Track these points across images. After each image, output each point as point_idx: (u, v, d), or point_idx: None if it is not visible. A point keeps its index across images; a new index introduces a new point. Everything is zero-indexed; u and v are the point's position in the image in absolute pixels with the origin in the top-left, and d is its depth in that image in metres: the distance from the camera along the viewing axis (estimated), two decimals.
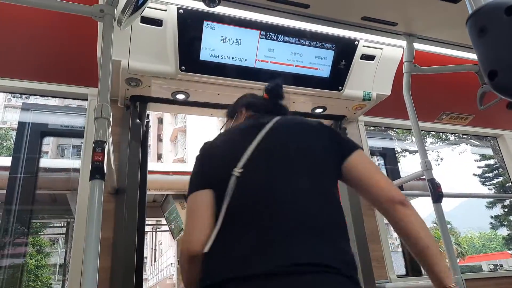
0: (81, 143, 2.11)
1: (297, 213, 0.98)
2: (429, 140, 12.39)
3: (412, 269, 3.09)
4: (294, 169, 1.06)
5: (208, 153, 1.18)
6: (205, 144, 1.22)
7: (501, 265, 19.43)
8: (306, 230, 0.95)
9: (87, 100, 2.17)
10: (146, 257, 24.23)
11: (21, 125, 2.28)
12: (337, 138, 1.20)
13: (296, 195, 1.01)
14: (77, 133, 2.43)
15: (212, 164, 1.13)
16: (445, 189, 1.95)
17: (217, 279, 0.91)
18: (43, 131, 2.33)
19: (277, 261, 0.89)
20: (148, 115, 2.24)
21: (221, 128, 1.43)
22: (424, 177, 2.00)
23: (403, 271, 3.17)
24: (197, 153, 1.20)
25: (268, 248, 0.92)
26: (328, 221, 1.01)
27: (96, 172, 1.16)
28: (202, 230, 1.01)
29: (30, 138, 2.26)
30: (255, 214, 0.98)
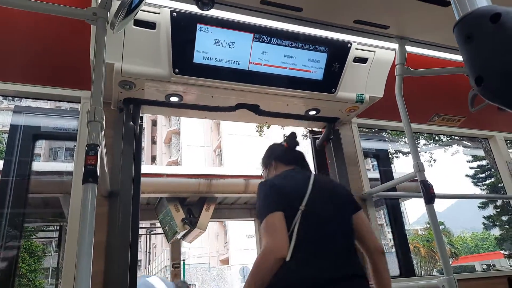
0: (74, 145, 2.10)
1: (343, 238, 1.57)
2: (422, 141, 12.50)
3: (406, 270, 3.10)
4: (336, 208, 1.63)
5: (275, 187, 1.63)
6: (267, 181, 1.74)
7: (493, 265, 19.61)
8: (347, 250, 1.57)
9: (80, 103, 2.16)
10: (140, 260, 24.09)
11: (13, 128, 2.26)
12: (351, 195, 1.83)
13: (341, 226, 1.60)
14: (70, 136, 2.41)
15: (281, 196, 1.58)
16: (437, 190, 1.97)
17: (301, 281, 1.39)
18: (36, 134, 2.31)
19: (342, 271, 1.46)
20: (141, 117, 2.24)
21: (263, 174, 2.00)
22: (417, 178, 2.02)
23: (397, 271, 3.18)
24: (261, 186, 1.67)
25: (337, 261, 1.49)
26: (352, 243, 1.63)
27: (89, 175, 1.15)
28: (286, 241, 1.44)
29: (22, 141, 2.24)
30: (320, 238, 1.51)
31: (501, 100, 0.63)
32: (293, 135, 1.96)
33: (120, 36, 1.80)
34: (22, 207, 2.35)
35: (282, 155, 1.92)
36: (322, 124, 2.72)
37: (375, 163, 3.73)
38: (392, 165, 4.19)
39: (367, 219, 1.79)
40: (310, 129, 2.90)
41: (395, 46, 2.17)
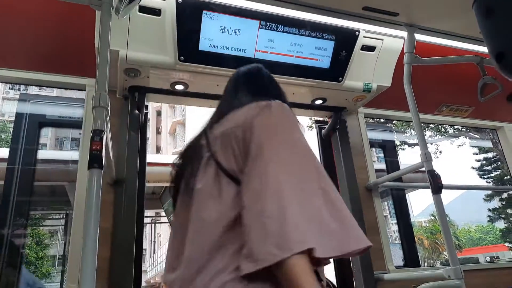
0: (79, 134, 2.09)
1: None
2: (428, 133, 12.40)
3: (411, 261, 3.10)
4: None
5: None
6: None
7: (497, 257, 19.59)
8: None
9: (85, 90, 2.15)
10: (145, 249, 24.36)
11: (19, 116, 2.26)
12: None
13: None
14: (75, 123, 2.41)
15: None
16: (443, 182, 1.95)
17: None
18: (41, 121, 2.30)
19: None
20: (147, 106, 2.23)
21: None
22: (423, 169, 2.00)
23: (401, 262, 3.18)
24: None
25: None
26: None
27: (95, 161, 1.15)
28: None
29: (27, 129, 2.24)
30: None
31: None
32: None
33: (125, 23, 1.78)
34: (28, 195, 2.36)
35: None
36: (328, 114, 2.70)
37: (381, 154, 3.71)
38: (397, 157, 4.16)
39: None
40: (316, 118, 2.88)
41: (404, 34, 2.13)
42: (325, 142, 2.75)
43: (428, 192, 1.94)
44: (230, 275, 0.83)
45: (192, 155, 1.05)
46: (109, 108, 1.25)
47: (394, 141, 4.37)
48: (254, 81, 1.21)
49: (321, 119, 2.83)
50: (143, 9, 1.79)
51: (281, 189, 0.83)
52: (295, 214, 0.80)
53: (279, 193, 0.82)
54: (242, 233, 0.84)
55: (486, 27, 0.63)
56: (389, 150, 3.57)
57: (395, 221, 3.46)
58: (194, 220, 0.93)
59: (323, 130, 2.74)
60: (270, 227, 0.79)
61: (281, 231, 0.78)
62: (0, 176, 2.25)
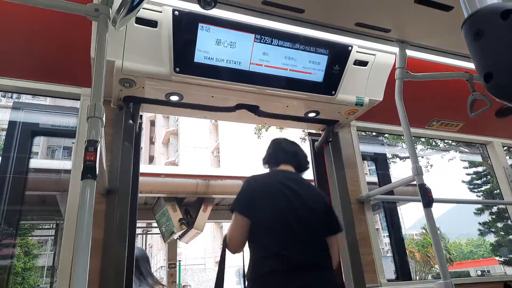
0: (73, 143, 2.09)
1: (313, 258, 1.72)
2: (419, 146, 12.51)
3: (402, 274, 3.11)
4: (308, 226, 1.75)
5: (250, 187, 1.83)
6: (249, 177, 1.88)
7: (488, 271, 19.63)
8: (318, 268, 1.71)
9: (79, 100, 2.15)
10: None
11: (12, 124, 2.25)
12: (330, 213, 1.87)
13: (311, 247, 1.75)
14: (69, 133, 2.41)
15: (252, 199, 1.80)
16: (434, 196, 1.97)
17: None
18: (34, 130, 2.30)
19: None
20: (141, 116, 2.23)
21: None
22: (414, 182, 2.02)
23: (392, 275, 3.18)
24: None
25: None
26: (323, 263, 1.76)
27: (88, 171, 1.15)
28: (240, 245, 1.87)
29: (20, 137, 2.23)
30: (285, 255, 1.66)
31: (511, 97, 0.63)
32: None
33: (121, 34, 1.80)
34: (19, 204, 2.33)
35: (277, 152, 2.00)
36: (321, 127, 2.73)
37: (372, 167, 3.74)
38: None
39: (339, 244, 1.89)
40: (309, 131, 2.90)
41: (396, 49, 2.18)
42: (318, 154, 2.78)
43: (419, 205, 1.96)
44: None
45: None
46: (104, 119, 1.26)
47: (385, 154, 4.42)
48: None
49: (314, 131, 2.86)
50: (140, 21, 1.81)
51: None
52: None
53: None
54: None
55: (475, 49, 0.65)
56: (381, 163, 3.60)
57: (387, 234, 3.48)
58: None
59: (316, 143, 2.77)
60: None
61: None
62: None
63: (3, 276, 2.26)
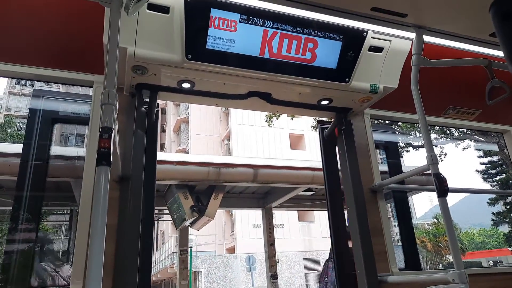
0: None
1: None
2: (433, 135, 12.34)
3: (412, 263, 3.09)
4: None
5: None
6: None
7: (501, 262, 19.47)
8: None
9: (92, 87, 2.16)
10: None
11: (32, 112, 2.28)
12: None
13: None
14: (88, 120, 2.44)
15: None
16: (449, 185, 1.94)
17: None
18: (54, 118, 2.32)
19: None
20: (158, 104, 2.22)
21: None
22: (428, 171, 1.99)
23: (403, 264, 3.17)
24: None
25: None
26: None
27: (103, 158, 1.15)
28: None
29: (41, 125, 2.26)
30: None
31: None
32: None
33: (134, 20, 1.79)
34: (41, 190, 2.36)
35: None
36: (334, 115, 2.69)
37: (383, 156, 3.69)
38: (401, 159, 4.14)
39: None
40: (318, 119, 2.86)
41: (412, 35, 2.12)
42: (327, 143, 2.74)
43: (431, 194, 1.93)
44: None
45: None
46: (117, 106, 1.26)
47: (397, 142, 4.36)
48: None
49: (324, 119, 2.82)
50: (152, 7, 1.80)
51: None
52: None
53: None
54: None
55: (504, 31, 0.62)
56: (392, 152, 3.55)
57: (396, 223, 3.46)
58: None
59: (325, 131, 2.73)
60: None
61: None
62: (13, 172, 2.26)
63: (29, 260, 2.31)
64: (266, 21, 1.94)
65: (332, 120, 2.69)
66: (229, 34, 1.91)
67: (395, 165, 3.47)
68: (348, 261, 2.46)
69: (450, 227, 1.86)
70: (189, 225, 6.88)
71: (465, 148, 14.12)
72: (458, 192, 3.13)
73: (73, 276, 1.78)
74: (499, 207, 18.12)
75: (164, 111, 36.27)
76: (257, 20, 1.93)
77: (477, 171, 18.42)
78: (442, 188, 1.87)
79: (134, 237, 1.89)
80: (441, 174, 1.91)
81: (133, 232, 1.90)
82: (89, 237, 1.06)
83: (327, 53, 2.12)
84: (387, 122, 4.19)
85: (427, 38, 2.12)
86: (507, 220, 18.18)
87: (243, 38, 1.95)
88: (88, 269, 1.02)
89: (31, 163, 2.23)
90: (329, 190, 2.63)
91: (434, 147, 2.07)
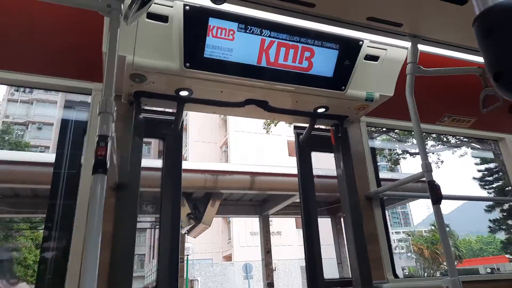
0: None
1: None
2: (430, 142, 12.39)
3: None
4: None
5: None
6: None
7: (498, 269, 19.45)
8: None
9: (91, 95, 2.17)
10: (144, 254, 24.26)
11: (64, 122, 2.32)
12: None
13: None
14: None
15: None
16: (444, 192, 1.95)
17: None
18: (85, 128, 2.33)
19: None
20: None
21: None
22: (424, 178, 2.01)
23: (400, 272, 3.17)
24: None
25: None
26: None
27: (99, 166, 1.16)
28: None
29: (73, 135, 2.29)
30: None
31: None
32: None
33: (133, 29, 1.81)
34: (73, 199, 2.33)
35: None
36: (331, 122, 2.71)
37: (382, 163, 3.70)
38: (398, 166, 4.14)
39: None
40: (294, 124, 2.83)
41: (408, 44, 2.15)
42: (302, 148, 2.73)
43: (428, 202, 1.94)
44: None
45: None
46: (114, 114, 1.27)
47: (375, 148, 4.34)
48: None
49: (299, 124, 2.77)
50: (151, 16, 1.82)
51: None
52: None
53: None
54: None
55: (486, 46, 0.64)
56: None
57: (396, 230, 3.45)
58: None
59: (301, 136, 2.72)
60: None
61: None
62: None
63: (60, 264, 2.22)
64: (263, 30, 1.97)
65: (308, 125, 2.66)
66: (227, 43, 1.94)
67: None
68: (344, 268, 2.46)
69: (444, 234, 1.87)
70: (185, 233, 6.85)
71: (461, 155, 14.17)
72: (453, 200, 3.15)
73: (68, 283, 1.78)
74: (496, 214, 18.16)
75: None
76: (255, 29, 1.96)
77: (474, 178, 18.48)
78: (436, 195, 1.88)
79: (130, 245, 1.89)
80: (435, 181, 1.92)
81: (129, 239, 1.90)
82: (84, 244, 1.07)
83: (323, 61, 2.15)
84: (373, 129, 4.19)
85: (422, 47, 2.16)
86: (503, 227, 18.20)
87: (241, 47, 1.97)
88: (82, 278, 1.03)
89: (63, 171, 2.23)
90: (303, 196, 2.59)
91: (431, 154, 2.08)
